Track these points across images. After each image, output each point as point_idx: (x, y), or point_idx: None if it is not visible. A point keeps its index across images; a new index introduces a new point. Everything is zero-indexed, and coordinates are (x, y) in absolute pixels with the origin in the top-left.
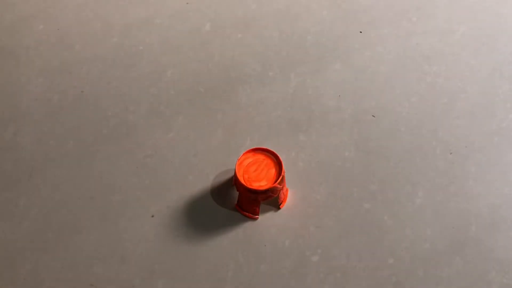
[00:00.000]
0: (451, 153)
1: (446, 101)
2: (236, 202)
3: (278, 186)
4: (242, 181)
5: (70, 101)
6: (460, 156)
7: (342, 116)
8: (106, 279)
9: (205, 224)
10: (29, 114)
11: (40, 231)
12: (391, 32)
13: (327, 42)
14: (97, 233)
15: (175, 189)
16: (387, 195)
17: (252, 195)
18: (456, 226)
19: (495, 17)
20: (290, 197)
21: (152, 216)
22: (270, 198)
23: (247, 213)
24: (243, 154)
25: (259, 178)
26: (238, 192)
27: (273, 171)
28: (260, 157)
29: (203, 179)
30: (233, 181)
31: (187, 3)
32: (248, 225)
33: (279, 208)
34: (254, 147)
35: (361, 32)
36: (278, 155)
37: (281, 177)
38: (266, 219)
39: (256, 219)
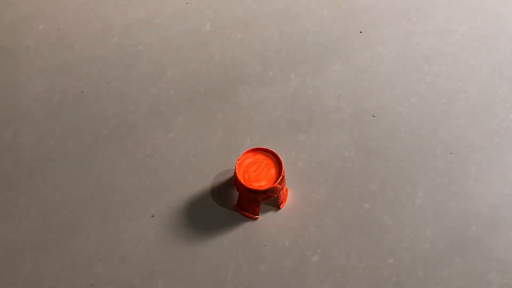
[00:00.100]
0: (451, 153)
1: (446, 101)
2: (236, 202)
3: (278, 186)
4: (242, 181)
5: (70, 101)
6: (460, 156)
7: (342, 116)
8: (106, 279)
9: (205, 224)
10: (29, 114)
11: (40, 231)
12: (391, 32)
13: (327, 42)
14: (97, 233)
15: (175, 189)
16: (387, 195)
17: (252, 195)
18: (456, 226)
19: (495, 17)
20: (290, 197)
21: (152, 216)
22: (270, 198)
23: (247, 213)
24: (243, 154)
25: (259, 178)
26: (238, 192)
27: (273, 171)
28: (260, 157)
29: (203, 179)
30: (233, 181)
31: (187, 3)
32: (248, 225)
33: (279, 208)
34: (254, 147)
35: (361, 32)
36: (278, 155)
37: (281, 177)
38: (266, 219)
39: (256, 219)
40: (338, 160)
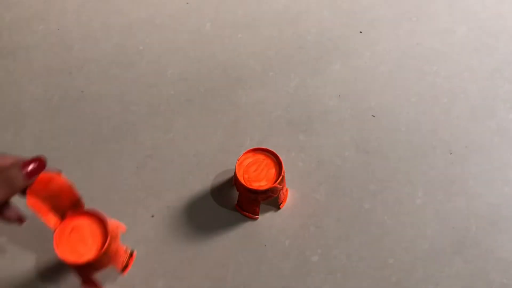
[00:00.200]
0: (451, 153)
1: (446, 101)
2: (236, 202)
3: (278, 186)
4: (242, 181)
5: (70, 101)
6: (460, 156)
7: (342, 116)
8: (106, 279)
9: (205, 224)
10: (29, 114)
11: (40, 231)
12: (391, 32)
13: (327, 42)
14: None
15: (175, 189)
16: (387, 195)
17: (252, 195)
18: (456, 226)
19: (495, 17)
20: (290, 197)
21: (152, 216)
22: (270, 198)
23: (247, 213)
24: (243, 154)
25: (259, 178)
26: (238, 192)
27: (273, 171)
28: (260, 157)
29: (203, 179)
30: (233, 181)
31: (187, 3)
32: (248, 225)
33: (279, 208)
34: (254, 147)
35: (361, 32)
36: (278, 155)
37: (281, 177)
38: (266, 219)
39: (256, 219)
40: (338, 160)
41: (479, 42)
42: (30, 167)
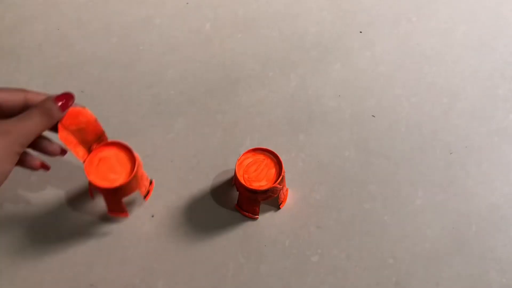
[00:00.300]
0: (451, 153)
1: (446, 101)
2: (236, 202)
3: (278, 186)
4: (242, 181)
5: None
6: (460, 156)
7: (342, 116)
8: (106, 279)
9: (205, 224)
10: None
11: (40, 231)
12: (391, 32)
13: (327, 42)
14: (97, 233)
15: (175, 189)
16: (387, 195)
17: (252, 195)
18: (456, 226)
19: (495, 17)
20: (290, 197)
21: (152, 216)
22: (270, 198)
23: (247, 213)
24: (243, 154)
25: (259, 178)
26: (238, 192)
27: (273, 171)
28: (260, 157)
29: (203, 179)
30: (233, 181)
31: (187, 3)
32: (248, 225)
33: (279, 208)
34: (254, 147)
35: (361, 32)
36: (278, 155)
37: (281, 177)
38: (266, 219)
39: (256, 219)
40: (338, 160)
41: (479, 42)
42: (63, 100)
